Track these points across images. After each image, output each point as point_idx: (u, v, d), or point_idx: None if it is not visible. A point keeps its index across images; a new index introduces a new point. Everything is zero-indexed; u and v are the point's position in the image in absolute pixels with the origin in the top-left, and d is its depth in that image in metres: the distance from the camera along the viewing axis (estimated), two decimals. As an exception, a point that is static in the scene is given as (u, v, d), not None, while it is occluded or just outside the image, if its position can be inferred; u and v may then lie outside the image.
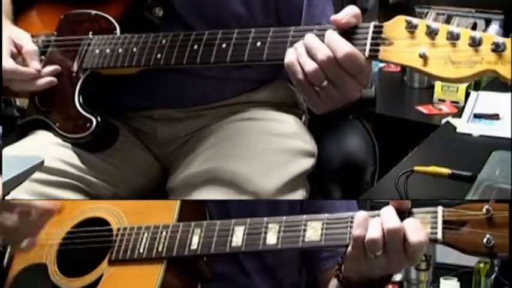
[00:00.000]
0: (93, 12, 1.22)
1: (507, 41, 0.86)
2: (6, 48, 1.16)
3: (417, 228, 0.84)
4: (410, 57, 0.90)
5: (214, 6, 1.17)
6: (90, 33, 1.20)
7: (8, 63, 1.15)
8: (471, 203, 0.86)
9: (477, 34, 0.87)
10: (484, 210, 0.83)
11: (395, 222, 0.84)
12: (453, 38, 0.88)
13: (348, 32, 0.95)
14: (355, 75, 0.93)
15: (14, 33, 1.20)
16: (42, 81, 1.17)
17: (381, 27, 0.93)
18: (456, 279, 1.97)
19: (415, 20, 0.91)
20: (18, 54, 1.17)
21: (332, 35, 0.93)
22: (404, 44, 0.91)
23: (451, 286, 1.96)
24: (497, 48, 0.86)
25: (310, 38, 0.94)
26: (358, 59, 0.92)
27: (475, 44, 0.87)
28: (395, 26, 0.93)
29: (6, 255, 1.09)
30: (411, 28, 0.91)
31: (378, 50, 0.93)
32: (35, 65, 1.17)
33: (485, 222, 0.83)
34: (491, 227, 0.83)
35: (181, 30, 1.10)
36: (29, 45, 1.18)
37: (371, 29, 0.94)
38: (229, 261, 1.05)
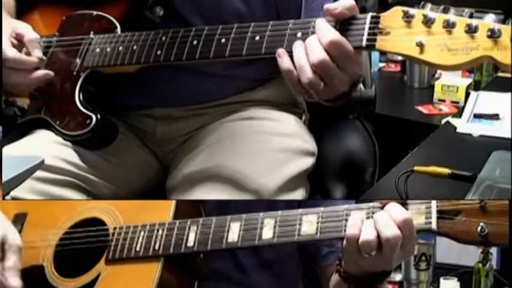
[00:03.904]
0: (95, 12, 1.22)
1: (503, 27, 0.86)
2: (7, 39, 1.15)
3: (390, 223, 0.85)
4: (407, 46, 0.91)
5: (214, 3, 1.17)
6: (91, 33, 1.20)
7: (10, 51, 1.14)
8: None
9: (473, 21, 0.88)
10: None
11: (393, 230, 0.85)
12: (449, 25, 0.89)
13: (346, 23, 0.95)
14: (342, 64, 0.93)
15: (15, 24, 1.20)
16: (39, 73, 1.16)
17: (378, 17, 0.94)
18: (456, 279, 1.96)
19: (412, 10, 0.92)
20: (19, 45, 1.17)
21: (319, 23, 0.95)
22: (401, 33, 0.92)
23: (451, 286, 1.95)
24: (493, 35, 0.86)
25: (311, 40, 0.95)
26: (343, 46, 0.92)
27: (471, 30, 0.87)
28: (393, 16, 0.93)
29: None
30: (408, 18, 0.91)
31: (375, 40, 0.93)
32: (37, 53, 1.17)
33: (479, 211, 0.84)
34: (485, 216, 0.83)
35: (182, 28, 1.10)
36: (30, 33, 1.18)
37: (368, 20, 0.94)
38: (227, 258, 1.05)
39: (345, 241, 0.88)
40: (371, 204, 0.90)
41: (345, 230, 0.89)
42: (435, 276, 1.96)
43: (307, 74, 0.93)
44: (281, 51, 0.98)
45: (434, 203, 0.87)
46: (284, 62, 0.97)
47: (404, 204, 0.88)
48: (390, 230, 0.85)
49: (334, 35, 0.93)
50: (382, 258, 0.86)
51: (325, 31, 0.94)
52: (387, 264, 0.89)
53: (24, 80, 1.16)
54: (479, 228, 0.83)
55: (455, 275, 1.99)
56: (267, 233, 0.93)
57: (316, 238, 0.91)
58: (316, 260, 1.11)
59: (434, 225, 0.86)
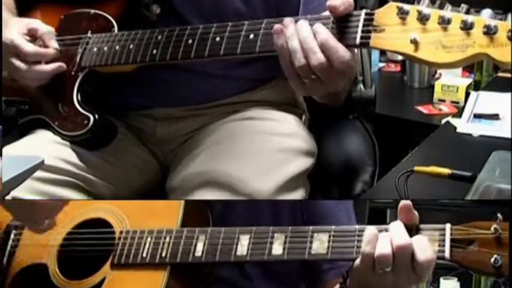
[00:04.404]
0: (92, 11, 1.22)
1: (499, 23, 0.85)
2: (21, 36, 1.15)
3: (425, 247, 0.83)
4: (402, 43, 0.89)
5: (213, 3, 1.17)
6: (89, 32, 1.20)
7: (29, 46, 1.15)
8: (479, 221, 0.84)
9: (469, 18, 0.86)
10: (492, 229, 0.82)
11: (404, 238, 0.83)
12: (444, 22, 0.87)
13: (340, 20, 0.94)
14: (346, 75, 0.93)
15: (25, 21, 1.20)
16: (52, 66, 1.16)
17: (372, 14, 0.92)
18: (456, 279, 1.97)
19: (406, 6, 0.90)
20: (31, 41, 1.17)
21: (327, 36, 0.92)
22: (395, 31, 0.90)
23: (451, 286, 1.96)
24: (489, 31, 0.84)
25: (305, 32, 0.94)
26: (353, 64, 0.92)
27: (467, 27, 0.86)
28: (387, 12, 0.91)
29: (6, 254, 1.09)
30: (403, 14, 0.90)
31: (369, 37, 0.92)
32: (53, 44, 1.17)
33: (493, 242, 0.82)
34: (499, 247, 0.81)
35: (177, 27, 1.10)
36: (43, 26, 1.19)
37: (362, 16, 0.93)
38: (233, 267, 1.05)
39: (360, 258, 0.86)
40: (383, 226, 0.87)
41: (356, 252, 0.87)
42: (435, 276, 1.97)
43: (300, 62, 0.93)
44: (278, 27, 0.96)
45: (448, 230, 0.84)
46: (280, 39, 0.96)
47: (417, 229, 0.86)
48: (402, 239, 0.83)
49: (347, 55, 0.92)
50: (393, 275, 0.84)
51: (336, 49, 0.92)
52: (396, 284, 0.85)
53: (38, 74, 1.16)
54: (492, 260, 0.81)
55: (455, 275, 1.99)
56: (277, 249, 0.91)
57: (327, 258, 0.89)
58: (316, 275, 1.09)
59: (447, 254, 0.83)
